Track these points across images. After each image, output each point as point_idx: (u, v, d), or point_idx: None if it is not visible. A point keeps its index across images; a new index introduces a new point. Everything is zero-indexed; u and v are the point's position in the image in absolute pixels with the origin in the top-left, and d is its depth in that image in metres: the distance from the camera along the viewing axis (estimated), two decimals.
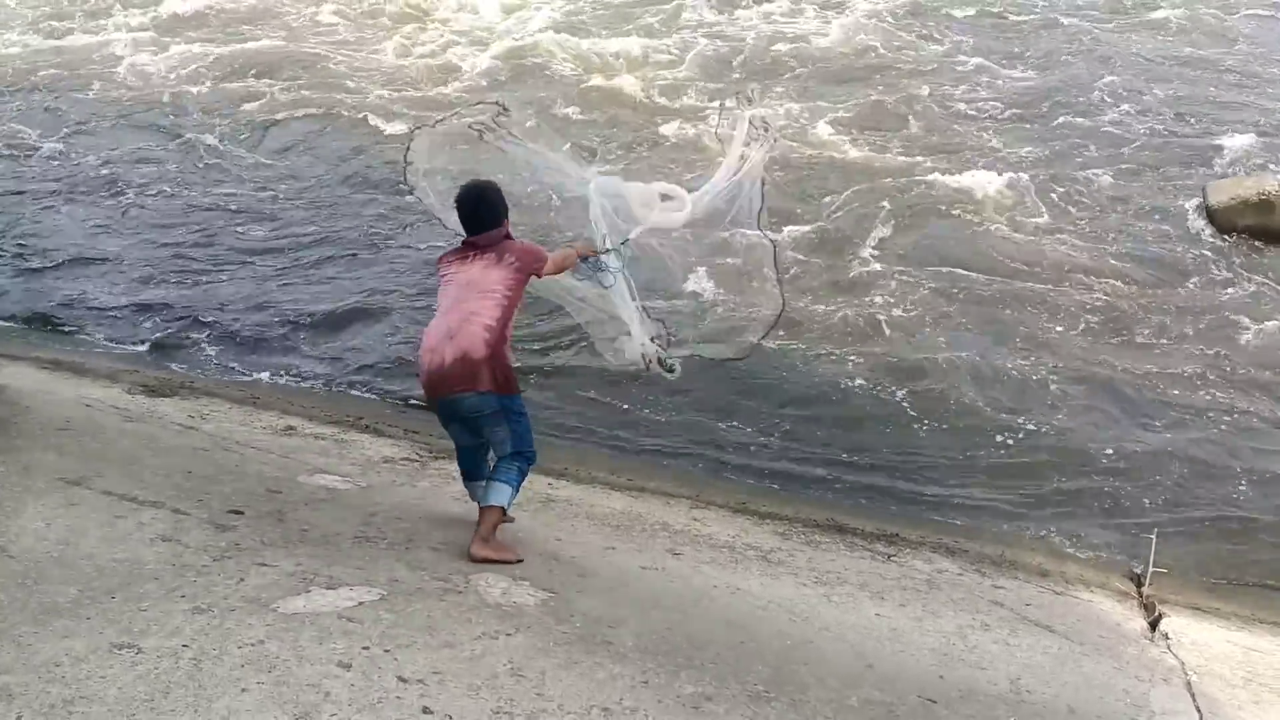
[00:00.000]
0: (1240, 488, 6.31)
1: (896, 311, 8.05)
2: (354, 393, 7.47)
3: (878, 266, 8.69)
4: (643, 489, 6.22)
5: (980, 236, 9.13)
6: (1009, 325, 7.86)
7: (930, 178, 10.09)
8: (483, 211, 4.51)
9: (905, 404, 7.03)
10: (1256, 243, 9.10)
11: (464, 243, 4.55)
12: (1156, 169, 10.37)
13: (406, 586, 3.87)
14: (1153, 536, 5.50)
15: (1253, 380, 7.23)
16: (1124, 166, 10.41)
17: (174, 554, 3.91)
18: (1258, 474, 6.41)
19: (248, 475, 5.25)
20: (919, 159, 10.57)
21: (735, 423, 6.97)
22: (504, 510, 4.44)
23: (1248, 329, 7.83)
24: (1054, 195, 9.84)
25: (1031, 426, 6.83)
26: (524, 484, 4.54)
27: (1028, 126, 11.27)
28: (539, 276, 4.60)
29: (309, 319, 8.29)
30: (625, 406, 7.23)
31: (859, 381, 7.24)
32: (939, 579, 5.28)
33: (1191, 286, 8.45)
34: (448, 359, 4.35)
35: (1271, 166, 10.18)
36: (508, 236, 4.55)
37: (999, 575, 5.50)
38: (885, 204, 9.63)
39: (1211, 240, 9.15)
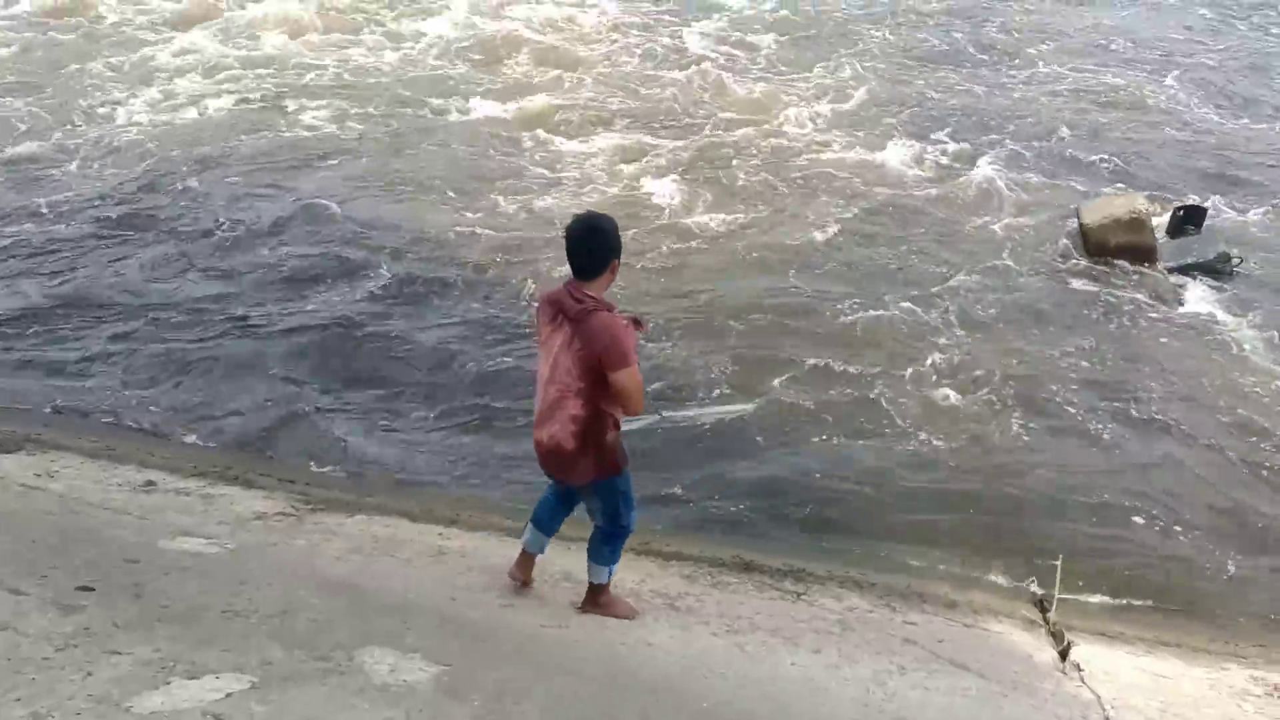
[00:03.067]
0: (1134, 509, 6.35)
1: (783, 339, 7.95)
2: (222, 440, 6.91)
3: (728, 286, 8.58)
4: None
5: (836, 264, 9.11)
6: (901, 350, 7.80)
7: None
8: (596, 242, 4.05)
9: (804, 439, 6.87)
10: (1127, 261, 9.34)
11: (566, 285, 4.12)
12: (1035, 186, 10.58)
13: (281, 669, 3.47)
14: (1057, 563, 5.46)
15: (1142, 400, 7.33)
16: (1005, 178, 10.61)
17: (9, 646, 3.41)
18: (1151, 495, 6.46)
19: (101, 542, 4.73)
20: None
21: (637, 460, 6.69)
22: (605, 586, 4.62)
23: (1129, 348, 7.96)
24: (931, 204, 9.96)
25: (928, 454, 6.76)
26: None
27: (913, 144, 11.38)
28: (618, 389, 4.01)
29: (178, 364, 7.66)
30: (520, 441, 6.90)
31: (758, 417, 7.06)
32: (850, 618, 5.11)
33: (1069, 306, 8.54)
34: (544, 442, 4.20)
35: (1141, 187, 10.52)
36: (608, 307, 4.05)
37: (908, 609, 5.36)
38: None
39: (1084, 259, 9.34)
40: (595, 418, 4.11)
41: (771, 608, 5.10)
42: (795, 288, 8.57)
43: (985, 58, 14.15)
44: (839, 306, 8.29)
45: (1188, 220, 9.84)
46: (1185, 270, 9.22)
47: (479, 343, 7.89)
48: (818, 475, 6.53)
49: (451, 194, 10.28)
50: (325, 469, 6.62)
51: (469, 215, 9.81)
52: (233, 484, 6.14)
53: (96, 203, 9.96)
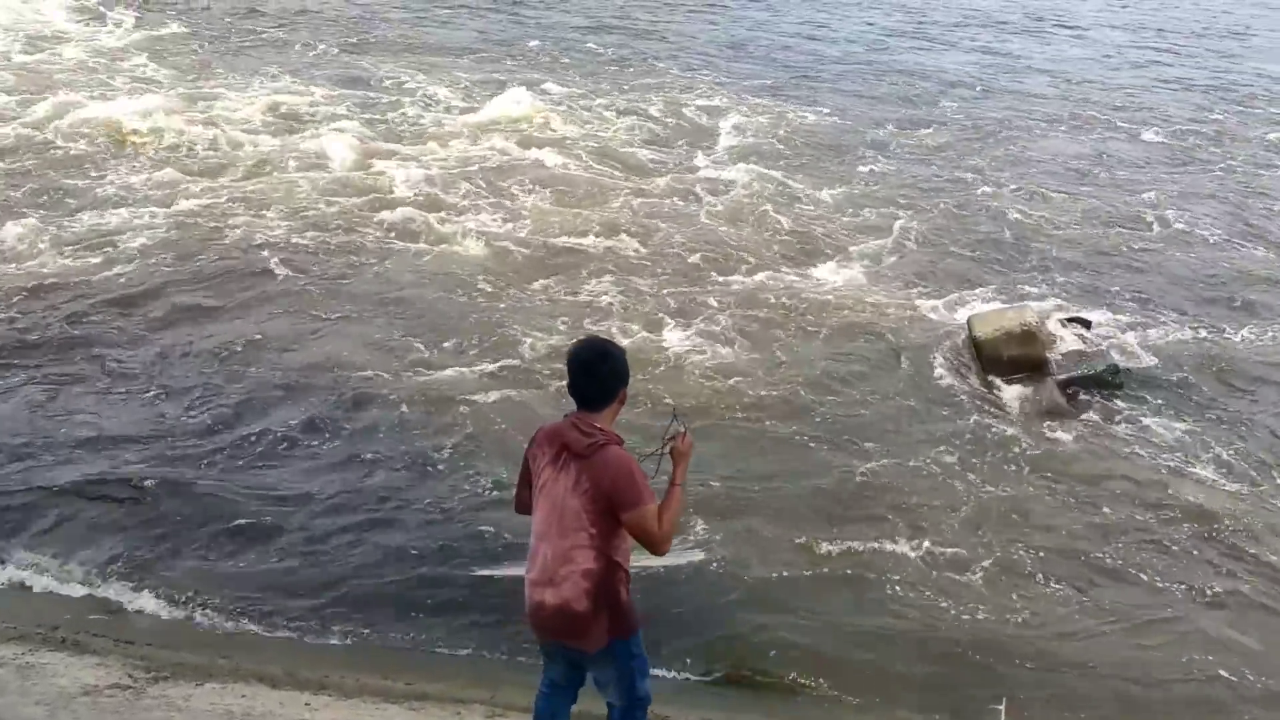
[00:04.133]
0: (1071, 640, 6.01)
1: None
2: (52, 591, 5.95)
3: None
4: (425, 695, 5.17)
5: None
6: (833, 501, 7.16)
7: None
8: (604, 369, 3.70)
9: (731, 586, 6.28)
10: (1020, 374, 9.27)
11: (568, 417, 3.73)
12: (916, 299, 10.48)
13: None
14: (1000, 708, 5.03)
15: (1063, 529, 7.03)
16: (879, 297, 10.45)
17: None
18: (1086, 627, 6.13)
19: None
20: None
21: None
22: None
23: (1047, 474, 7.69)
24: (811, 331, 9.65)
25: (863, 601, 6.25)
26: None
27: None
28: (637, 533, 3.63)
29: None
30: (403, 581, 6.16)
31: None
32: None
33: (980, 433, 8.24)
34: (548, 605, 3.67)
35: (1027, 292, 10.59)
36: (616, 441, 3.66)
37: None
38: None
39: (982, 374, 9.21)
40: (609, 572, 3.64)
41: None
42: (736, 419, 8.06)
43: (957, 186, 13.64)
44: (791, 456, 7.68)
45: (1074, 330, 9.94)
46: (1076, 383, 9.21)
47: (366, 476, 7.14)
48: (746, 625, 5.96)
49: (421, 328, 9.13)
50: (171, 623, 5.74)
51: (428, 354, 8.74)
52: (59, 649, 5.24)
53: None
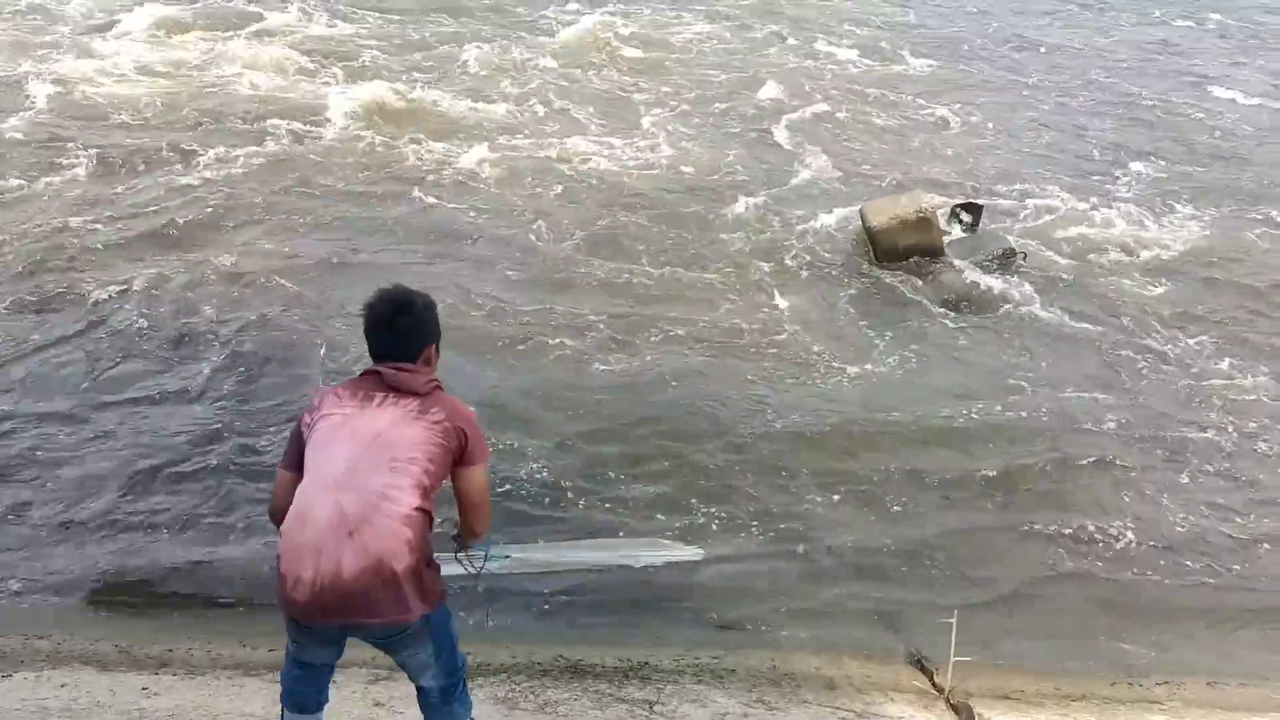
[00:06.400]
0: (1005, 550, 5.59)
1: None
2: None
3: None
4: None
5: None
6: (742, 418, 6.43)
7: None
8: (405, 322, 3.04)
9: (597, 488, 5.67)
10: (918, 261, 8.83)
11: (367, 372, 3.03)
12: (802, 195, 9.87)
13: None
14: (952, 620, 4.51)
15: (999, 424, 6.61)
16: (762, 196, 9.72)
17: None
18: (1019, 532, 5.71)
19: None
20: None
21: None
22: None
23: (958, 360, 7.33)
24: (687, 242, 8.78)
25: (767, 498, 5.72)
26: None
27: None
28: (476, 492, 3.05)
29: None
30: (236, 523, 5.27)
31: (558, 464, 5.79)
32: None
33: (891, 330, 7.74)
34: (347, 569, 2.74)
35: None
36: (436, 386, 3.02)
37: (787, 704, 4.26)
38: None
39: (877, 266, 8.72)
40: (428, 525, 2.89)
41: None
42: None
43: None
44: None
45: (965, 216, 9.57)
46: (977, 267, 8.84)
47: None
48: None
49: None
50: None
51: None
52: None
53: None
